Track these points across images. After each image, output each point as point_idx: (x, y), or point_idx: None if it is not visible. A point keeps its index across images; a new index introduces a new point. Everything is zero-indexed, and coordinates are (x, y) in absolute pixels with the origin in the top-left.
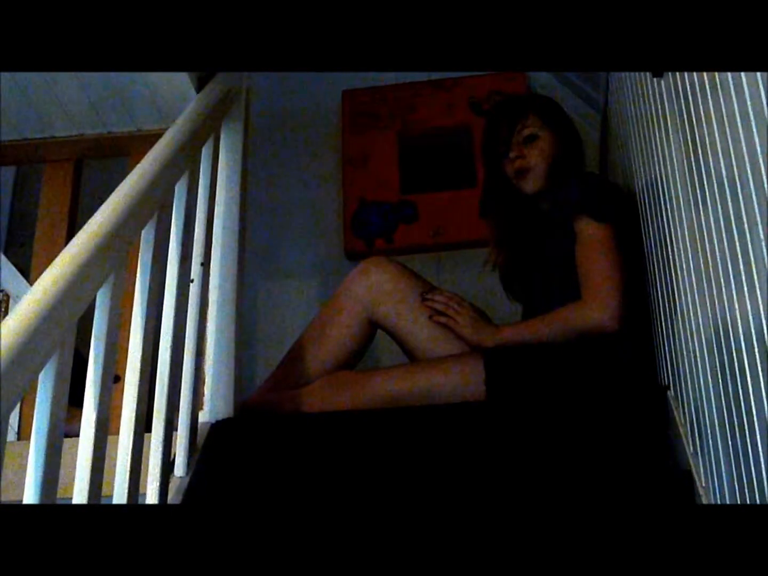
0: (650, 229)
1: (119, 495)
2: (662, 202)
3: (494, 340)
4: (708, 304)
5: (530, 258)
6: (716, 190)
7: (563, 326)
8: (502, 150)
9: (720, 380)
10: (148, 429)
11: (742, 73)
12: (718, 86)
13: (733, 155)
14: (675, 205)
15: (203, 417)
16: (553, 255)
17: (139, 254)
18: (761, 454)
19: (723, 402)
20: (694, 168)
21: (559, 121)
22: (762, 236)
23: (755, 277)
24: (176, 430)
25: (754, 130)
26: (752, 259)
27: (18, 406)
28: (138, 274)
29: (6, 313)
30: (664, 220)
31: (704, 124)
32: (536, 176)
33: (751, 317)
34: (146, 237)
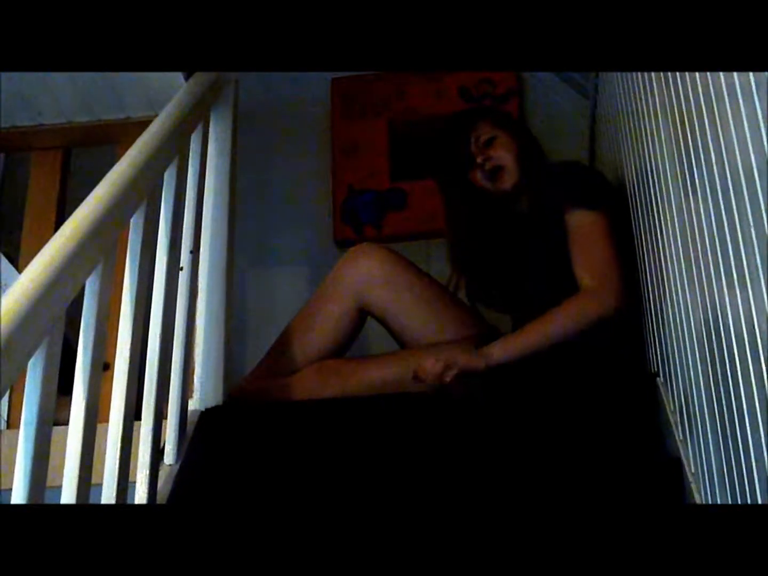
0: (640, 216)
1: (109, 483)
2: (652, 190)
3: (489, 360)
4: (697, 290)
5: (509, 263)
6: (706, 177)
7: (569, 323)
8: (466, 163)
9: (709, 366)
10: (138, 417)
11: None
12: (708, 75)
13: (722, 142)
14: (665, 193)
15: (193, 405)
16: (539, 254)
17: (128, 242)
18: (750, 440)
19: (712, 388)
20: (684, 155)
21: (508, 122)
22: (752, 223)
23: (745, 264)
24: (166, 418)
25: (744, 117)
26: (742, 246)
27: (7, 394)
28: (127, 262)
29: None
30: (654, 207)
31: (694, 112)
32: (510, 172)
33: (740, 303)
34: (135, 225)
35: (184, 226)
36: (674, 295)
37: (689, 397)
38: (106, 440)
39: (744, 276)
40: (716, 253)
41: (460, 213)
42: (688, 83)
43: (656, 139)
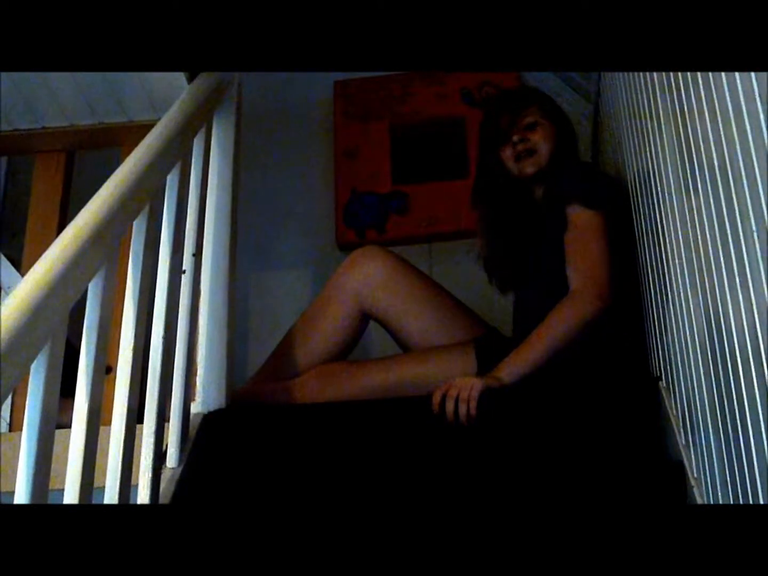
0: (642, 218)
1: (111, 486)
2: (654, 192)
3: (500, 384)
4: (700, 294)
5: (523, 246)
6: (708, 179)
7: (563, 329)
8: (502, 138)
9: (712, 370)
10: (140, 420)
11: None
12: (710, 75)
13: (724, 143)
14: (667, 195)
15: (195, 408)
16: (547, 243)
17: (131, 245)
18: (752, 445)
19: (715, 392)
20: (686, 156)
21: (557, 114)
22: (754, 226)
23: (747, 267)
24: (168, 421)
25: (746, 119)
26: (744, 249)
27: (10, 397)
28: (130, 265)
29: None
30: (656, 209)
31: (696, 114)
32: (540, 158)
33: (742, 307)
34: (138, 228)
35: (187, 229)
36: (677, 299)
37: (692, 402)
38: (108, 443)
39: (747, 280)
40: (719, 257)
41: (488, 182)
42: (690, 81)
43: (658, 139)
